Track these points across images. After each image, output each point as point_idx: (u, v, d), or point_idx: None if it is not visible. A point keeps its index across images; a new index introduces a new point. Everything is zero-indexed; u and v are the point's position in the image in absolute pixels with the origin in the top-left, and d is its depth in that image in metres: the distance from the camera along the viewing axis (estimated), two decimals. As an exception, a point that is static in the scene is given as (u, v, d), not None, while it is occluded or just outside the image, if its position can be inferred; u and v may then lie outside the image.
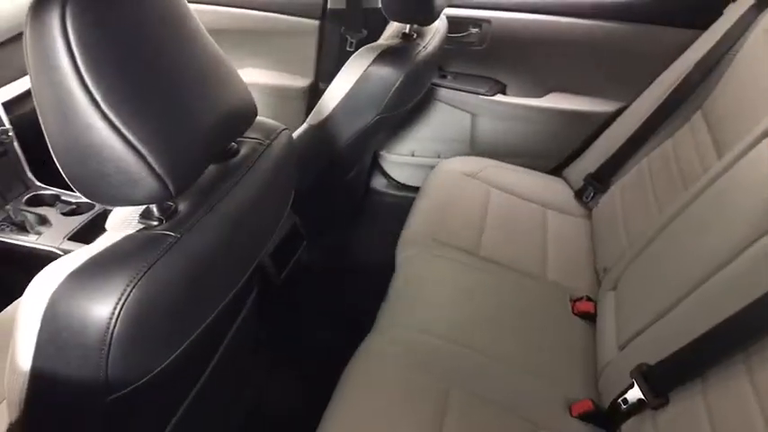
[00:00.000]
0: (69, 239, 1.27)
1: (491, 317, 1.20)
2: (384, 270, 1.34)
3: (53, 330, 0.53)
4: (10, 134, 1.38)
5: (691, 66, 1.38)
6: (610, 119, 1.62)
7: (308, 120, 1.26)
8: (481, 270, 1.31)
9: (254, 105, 0.71)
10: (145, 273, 0.54)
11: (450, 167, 1.65)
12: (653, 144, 1.42)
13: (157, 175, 0.54)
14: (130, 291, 0.52)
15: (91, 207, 1.36)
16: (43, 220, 1.33)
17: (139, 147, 0.52)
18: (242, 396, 1.13)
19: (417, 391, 1.00)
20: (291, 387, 1.33)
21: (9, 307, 0.99)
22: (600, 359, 1.10)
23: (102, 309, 0.52)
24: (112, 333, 0.52)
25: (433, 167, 1.68)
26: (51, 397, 0.58)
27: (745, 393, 0.74)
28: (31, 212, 1.35)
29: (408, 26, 1.28)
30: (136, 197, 0.55)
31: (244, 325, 1.01)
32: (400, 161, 1.94)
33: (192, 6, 1.74)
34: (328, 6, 1.74)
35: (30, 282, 0.55)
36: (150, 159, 0.53)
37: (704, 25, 1.43)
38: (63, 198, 1.41)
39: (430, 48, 1.28)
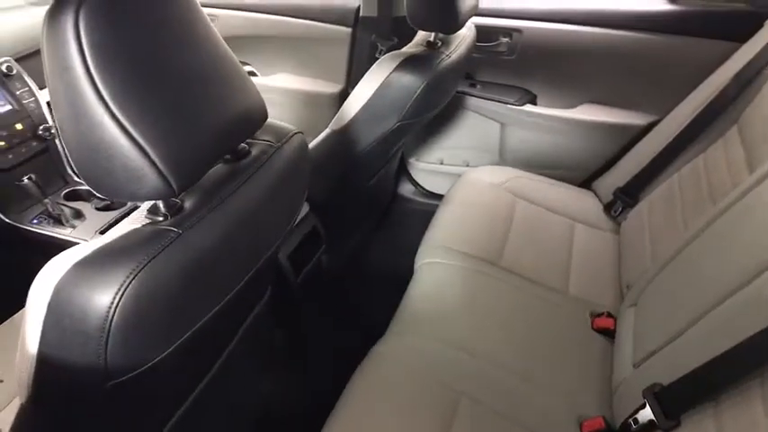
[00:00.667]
0: (101, 233, 1.32)
1: (507, 328, 1.19)
2: (404, 277, 1.34)
3: (57, 317, 0.56)
4: (53, 131, 1.44)
5: (728, 79, 1.34)
6: (642, 132, 1.58)
7: (330, 125, 1.28)
8: (500, 281, 1.30)
9: (265, 108, 0.73)
10: (145, 265, 0.56)
11: (476, 176, 1.64)
12: (685, 159, 1.37)
13: (161, 173, 0.56)
14: (130, 282, 0.54)
15: (123, 203, 1.41)
16: (78, 214, 1.39)
17: (145, 145, 0.54)
18: (252, 395, 1.15)
19: (425, 398, 1.00)
20: (302, 388, 1.35)
21: None
22: (615, 377, 1.08)
23: (103, 298, 0.54)
24: (111, 322, 0.54)
25: (460, 176, 1.68)
26: (55, 380, 0.61)
27: (758, 418, 0.71)
28: (67, 206, 1.42)
29: (433, 34, 1.28)
30: (140, 193, 0.57)
31: (256, 324, 1.03)
32: (428, 169, 1.95)
33: (231, 12, 1.80)
34: (360, 14, 1.76)
35: None
36: (154, 158, 0.55)
37: (743, 38, 1.38)
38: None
39: (454, 56, 1.28)
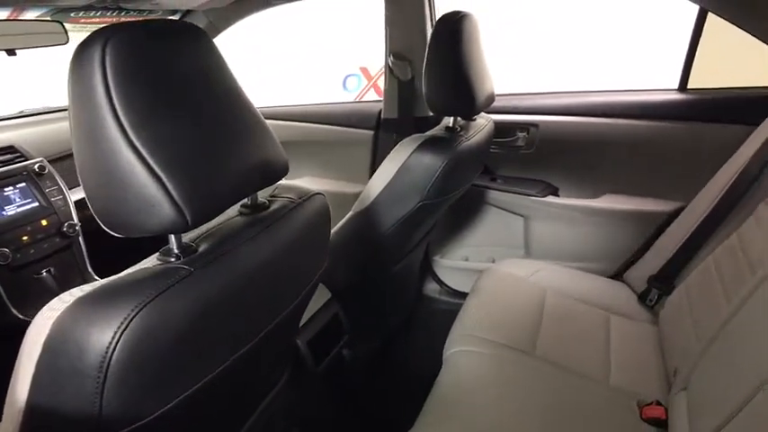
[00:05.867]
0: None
1: (546, 420, 1.08)
2: (431, 372, 1.26)
3: (52, 356, 0.52)
4: (77, 228, 1.46)
5: (747, 160, 1.33)
6: (668, 219, 1.56)
7: (353, 207, 1.28)
8: (536, 370, 1.21)
9: (285, 163, 0.73)
10: (152, 299, 0.53)
11: (503, 269, 1.60)
12: (717, 240, 1.34)
13: (175, 203, 0.55)
14: (134, 316, 0.51)
15: None
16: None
17: (161, 174, 0.54)
18: None
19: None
20: None
21: None
22: (675, 467, 0.95)
23: (103, 334, 0.50)
24: (110, 360, 0.50)
25: (486, 269, 1.63)
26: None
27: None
28: None
29: (452, 119, 1.32)
30: (152, 224, 0.56)
31: (271, 410, 0.95)
32: (453, 266, 1.92)
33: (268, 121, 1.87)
34: (382, 117, 1.85)
35: None
36: (170, 187, 0.54)
37: (755, 121, 1.39)
38: None
39: (473, 140, 1.31)
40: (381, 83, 3.66)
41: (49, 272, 1.41)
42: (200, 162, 0.58)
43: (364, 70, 3.74)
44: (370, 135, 1.89)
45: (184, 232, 0.60)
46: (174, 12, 1.68)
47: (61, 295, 0.56)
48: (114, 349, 0.50)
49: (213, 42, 0.66)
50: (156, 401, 0.57)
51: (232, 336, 0.67)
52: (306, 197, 0.80)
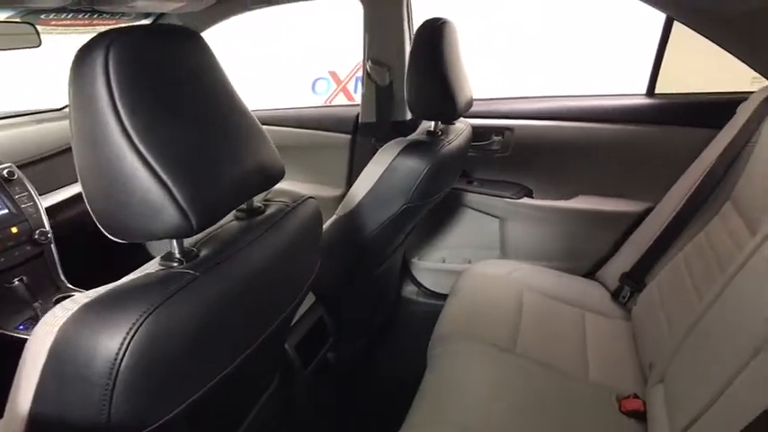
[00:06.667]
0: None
1: (532, 415, 1.11)
2: (414, 374, 1.28)
3: (57, 364, 0.51)
4: (49, 236, 1.42)
5: (712, 162, 1.40)
6: (638, 219, 1.62)
7: (337, 211, 1.29)
8: (519, 367, 1.24)
9: (281, 166, 0.74)
10: (160, 305, 0.52)
11: (481, 270, 1.63)
12: (685, 238, 1.40)
13: (180, 208, 0.54)
14: (142, 322, 0.51)
15: None
16: (69, 322, 1.33)
17: (165, 178, 0.54)
18: None
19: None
20: None
21: None
22: (656, 456, 0.99)
23: (111, 340, 0.50)
24: (119, 366, 0.49)
25: (464, 271, 1.66)
26: None
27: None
28: None
29: (433, 124, 1.34)
30: (156, 228, 0.55)
31: (263, 415, 0.95)
32: (431, 268, 1.94)
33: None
34: (360, 121, 1.85)
35: None
36: (175, 192, 0.54)
37: (719, 124, 1.46)
38: None
39: (454, 144, 1.33)
40: (350, 87, 3.67)
41: (21, 280, 1.37)
42: (202, 166, 0.58)
43: (333, 74, 3.75)
44: (347, 139, 1.90)
45: (188, 237, 0.60)
46: (147, 15, 1.66)
47: (64, 302, 0.55)
48: (123, 356, 0.49)
49: (209, 46, 0.66)
50: (162, 408, 0.57)
51: (233, 341, 0.67)
52: (300, 201, 0.81)
